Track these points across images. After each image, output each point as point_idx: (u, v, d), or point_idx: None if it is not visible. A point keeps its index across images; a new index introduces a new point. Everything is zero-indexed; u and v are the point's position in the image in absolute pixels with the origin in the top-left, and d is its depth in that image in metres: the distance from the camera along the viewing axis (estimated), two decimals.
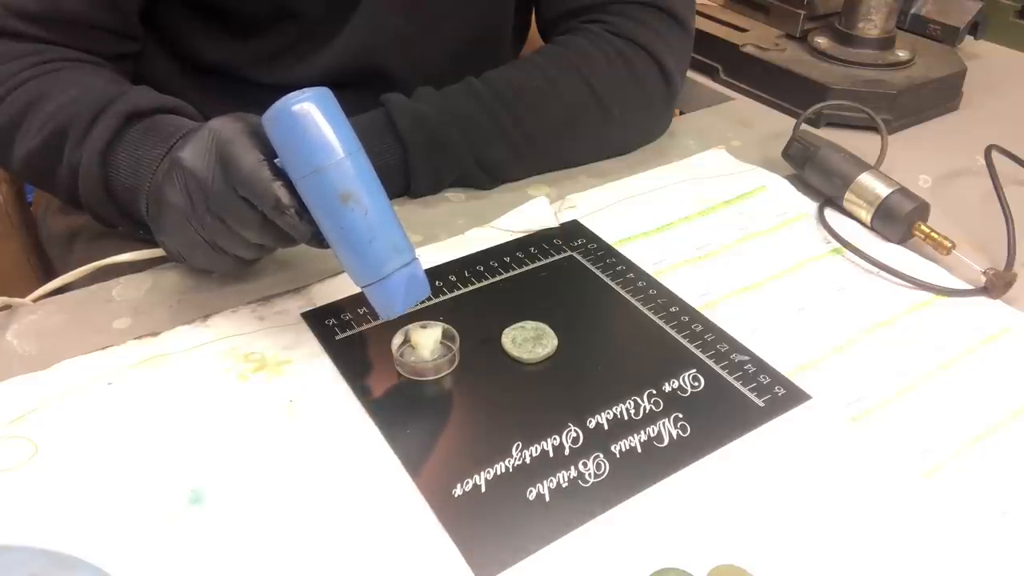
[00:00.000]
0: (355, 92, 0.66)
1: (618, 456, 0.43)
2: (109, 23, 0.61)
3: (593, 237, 0.60)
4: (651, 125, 0.73)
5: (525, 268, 0.57)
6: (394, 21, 0.67)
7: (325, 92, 0.44)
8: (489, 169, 0.65)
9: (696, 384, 0.47)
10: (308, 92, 0.43)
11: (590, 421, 0.45)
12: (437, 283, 0.54)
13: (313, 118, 0.43)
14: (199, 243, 0.49)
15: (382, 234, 0.44)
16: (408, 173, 0.62)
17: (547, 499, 0.41)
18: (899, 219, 0.59)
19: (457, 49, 0.71)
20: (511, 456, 0.43)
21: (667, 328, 0.51)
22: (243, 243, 0.48)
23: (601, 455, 0.43)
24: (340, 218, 0.43)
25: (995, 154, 0.65)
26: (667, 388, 0.47)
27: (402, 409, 0.46)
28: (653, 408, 0.46)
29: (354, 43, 0.66)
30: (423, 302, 0.52)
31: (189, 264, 0.52)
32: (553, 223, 0.61)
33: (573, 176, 0.68)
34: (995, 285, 0.55)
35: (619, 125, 0.69)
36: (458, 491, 0.41)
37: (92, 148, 0.53)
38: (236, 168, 0.45)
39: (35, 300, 0.52)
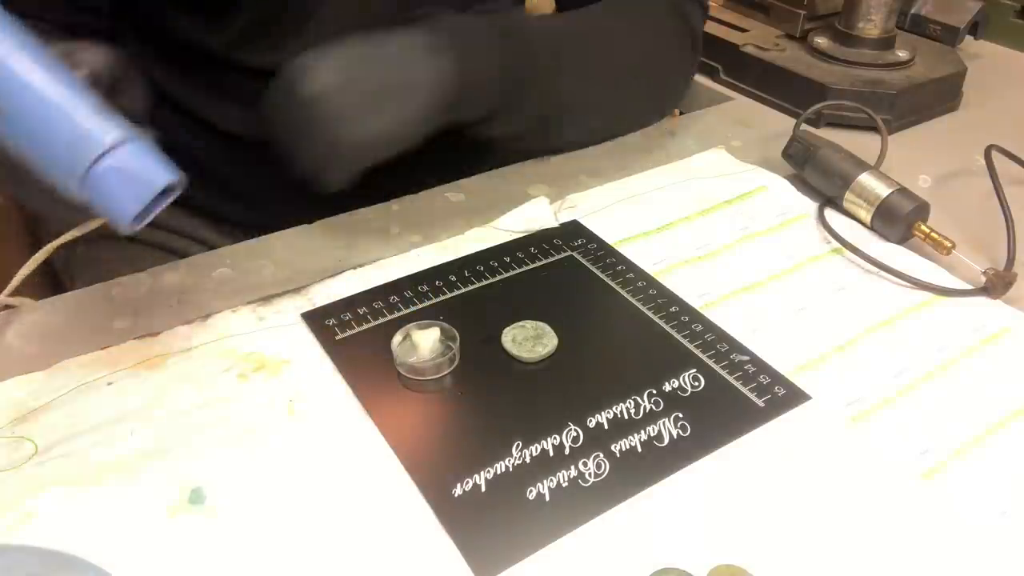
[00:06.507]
0: None
1: (618, 456, 0.43)
2: None
3: (593, 237, 0.60)
4: (681, 89, 0.73)
5: (525, 268, 0.57)
6: (378, 4, 0.64)
7: None
8: (561, 115, 0.62)
9: (696, 384, 0.47)
10: None
11: (590, 420, 0.45)
12: (437, 283, 0.54)
13: None
14: None
15: (50, 135, 0.36)
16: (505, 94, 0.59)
17: (547, 499, 0.41)
18: (899, 219, 0.59)
19: None
20: (511, 456, 0.43)
21: (667, 328, 0.51)
22: None
23: (601, 454, 0.43)
24: None
25: (995, 154, 0.65)
26: (667, 388, 0.47)
27: (402, 409, 0.46)
28: (653, 408, 0.46)
29: (337, 26, 0.62)
30: (418, 302, 0.52)
31: None
32: (553, 223, 0.61)
33: (573, 176, 0.68)
34: (995, 285, 0.55)
35: (669, 84, 0.70)
36: (458, 491, 0.41)
37: None
38: None
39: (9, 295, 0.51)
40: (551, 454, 0.43)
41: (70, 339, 0.50)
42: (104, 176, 0.37)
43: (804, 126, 0.69)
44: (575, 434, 0.44)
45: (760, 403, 0.46)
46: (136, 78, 0.47)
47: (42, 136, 0.36)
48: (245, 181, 0.70)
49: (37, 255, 0.50)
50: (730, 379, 0.48)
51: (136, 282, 0.55)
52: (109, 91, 0.43)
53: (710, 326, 0.52)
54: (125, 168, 0.37)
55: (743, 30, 0.90)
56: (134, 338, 0.50)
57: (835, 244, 0.60)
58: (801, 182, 0.67)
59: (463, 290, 0.54)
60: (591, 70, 0.62)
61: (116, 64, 0.44)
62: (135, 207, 0.38)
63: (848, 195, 0.62)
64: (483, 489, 0.41)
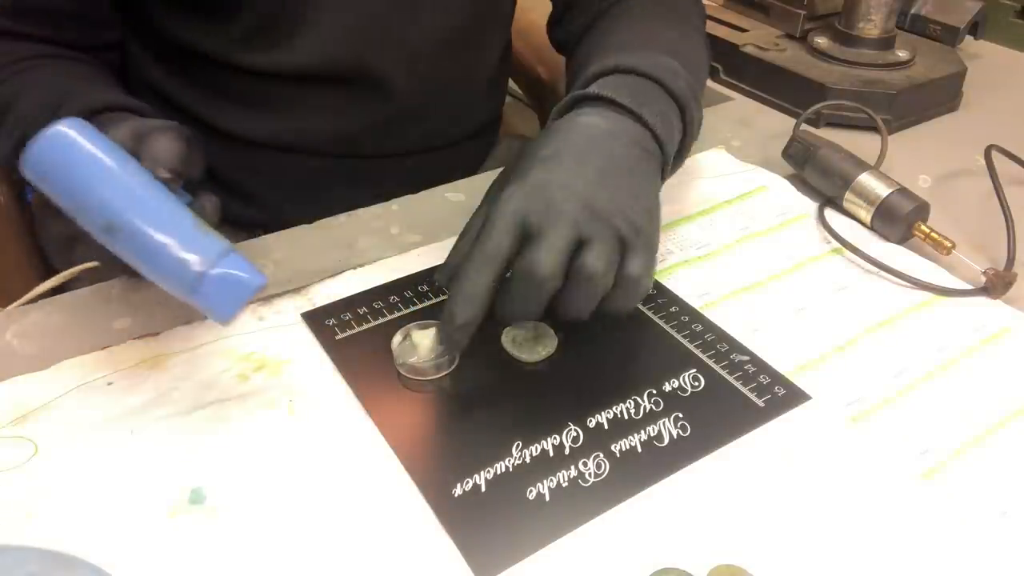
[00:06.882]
0: (339, 89, 0.66)
1: (618, 456, 0.43)
2: (78, 11, 0.59)
3: None
4: None
5: None
6: (376, 7, 0.64)
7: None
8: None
9: (696, 384, 0.47)
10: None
11: (590, 421, 0.45)
12: (437, 283, 0.54)
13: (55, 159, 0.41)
14: None
15: (162, 251, 0.41)
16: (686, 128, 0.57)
17: (547, 499, 0.41)
18: (899, 219, 0.59)
19: (445, 36, 0.68)
20: (511, 456, 0.43)
21: (667, 328, 0.51)
22: None
23: (601, 455, 0.43)
24: (111, 246, 0.42)
25: (995, 154, 0.65)
26: (667, 388, 0.47)
27: (402, 409, 0.46)
28: (653, 408, 0.46)
29: (334, 29, 0.63)
30: (418, 302, 0.52)
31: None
32: None
33: None
34: (995, 285, 0.55)
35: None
36: (458, 491, 0.41)
37: None
38: None
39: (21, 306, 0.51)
40: (551, 454, 0.43)
41: (70, 339, 0.50)
42: (207, 286, 0.41)
43: (804, 126, 0.69)
44: (575, 434, 0.44)
45: (760, 403, 0.46)
46: (196, 146, 0.48)
47: (153, 254, 0.41)
48: (245, 181, 0.70)
49: (53, 279, 0.51)
50: (730, 379, 0.48)
51: (136, 282, 0.55)
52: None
53: (710, 326, 0.52)
54: (224, 278, 0.42)
55: (743, 30, 0.90)
56: (134, 338, 0.50)
57: (835, 244, 0.60)
58: (801, 182, 0.67)
59: None
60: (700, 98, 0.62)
61: (183, 147, 0.46)
62: (234, 309, 0.42)
63: (848, 195, 0.62)
64: (483, 489, 0.41)
